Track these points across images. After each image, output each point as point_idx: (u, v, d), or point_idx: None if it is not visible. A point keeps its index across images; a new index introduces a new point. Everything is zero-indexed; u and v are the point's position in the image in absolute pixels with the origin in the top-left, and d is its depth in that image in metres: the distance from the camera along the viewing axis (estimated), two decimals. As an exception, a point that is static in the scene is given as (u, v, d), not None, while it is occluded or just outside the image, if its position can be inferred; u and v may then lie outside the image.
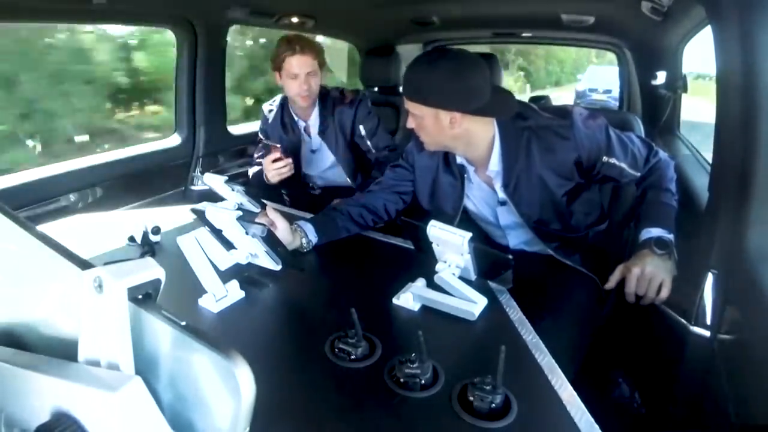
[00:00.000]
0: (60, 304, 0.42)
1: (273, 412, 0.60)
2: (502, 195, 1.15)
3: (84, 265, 0.38)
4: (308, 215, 1.23)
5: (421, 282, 0.94)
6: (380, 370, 0.72)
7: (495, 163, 1.11)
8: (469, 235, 0.88)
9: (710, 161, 1.01)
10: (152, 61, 3.39)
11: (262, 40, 4.59)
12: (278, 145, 1.57)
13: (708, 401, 0.90)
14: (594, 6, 1.86)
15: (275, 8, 1.91)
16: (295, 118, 1.75)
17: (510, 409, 0.64)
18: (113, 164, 1.76)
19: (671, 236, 1.04)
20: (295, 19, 2.01)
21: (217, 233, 0.98)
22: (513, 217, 1.18)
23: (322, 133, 1.73)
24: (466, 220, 1.23)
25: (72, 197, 1.59)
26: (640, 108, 2.32)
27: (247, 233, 0.97)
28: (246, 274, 1.00)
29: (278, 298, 0.98)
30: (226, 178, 1.08)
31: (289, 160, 1.56)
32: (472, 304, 0.87)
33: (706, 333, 0.90)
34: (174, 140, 1.97)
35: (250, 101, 4.35)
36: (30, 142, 2.73)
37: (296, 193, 1.83)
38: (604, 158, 1.09)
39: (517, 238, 1.26)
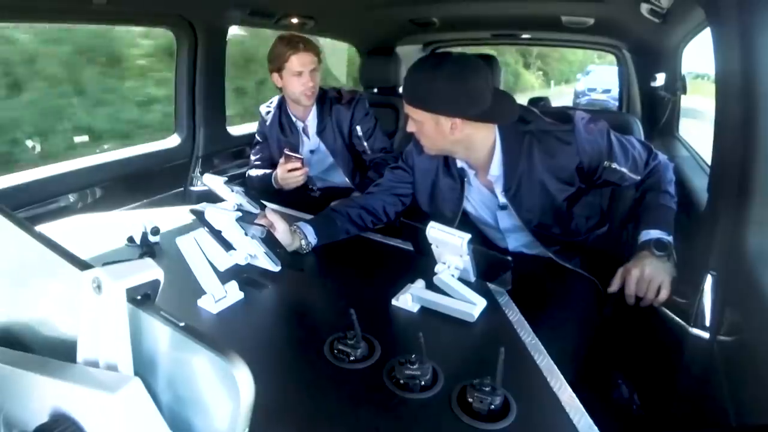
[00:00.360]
0: (59, 304, 0.42)
1: (272, 414, 0.60)
2: (502, 199, 1.15)
3: (83, 265, 0.38)
4: (308, 216, 1.23)
5: (420, 283, 0.94)
6: (379, 371, 0.72)
7: (496, 168, 1.11)
8: (469, 236, 0.88)
9: (709, 163, 1.01)
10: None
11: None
12: (301, 156, 1.58)
13: (707, 402, 0.90)
14: (593, 8, 1.86)
15: (275, 9, 1.90)
16: (293, 119, 1.74)
17: (509, 410, 0.64)
18: (112, 165, 1.75)
19: (670, 238, 1.04)
20: (294, 20, 2.01)
21: (217, 234, 0.98)
22: (513, 220, 1.17)
23: (320, 133, 1.73)
24: (465, 223, 1.23)
25: (71, 197, 1.59)
26: (639, 109, 2.32)
27: (246, 234, 0.97)
28: (245, 275, 0.99)
29: (277, 299, 0.98)
30: (226, 178, 1.08)
31: (306, 169, 1.57)
32: (471, 305, 0.87)
33: (706, 334, 0.90)
34: (173, 141, 1.97)
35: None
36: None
37: (295, 194, 1.83)
38: (606, 163, 1.09)
39: (516, 241, 1.25)
